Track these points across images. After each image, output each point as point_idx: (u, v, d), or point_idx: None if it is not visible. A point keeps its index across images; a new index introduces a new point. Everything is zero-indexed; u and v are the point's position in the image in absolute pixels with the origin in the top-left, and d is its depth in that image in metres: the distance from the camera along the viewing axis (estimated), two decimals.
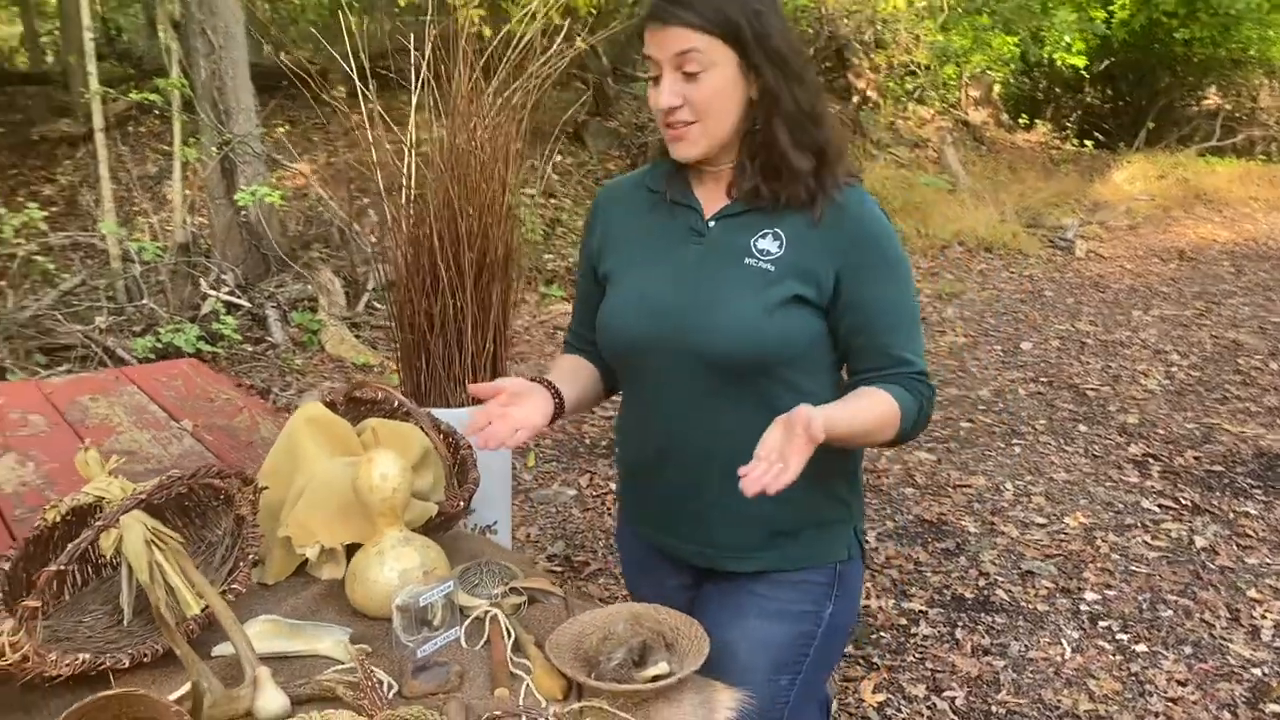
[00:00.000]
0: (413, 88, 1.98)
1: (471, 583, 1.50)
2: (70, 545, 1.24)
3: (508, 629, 1.39)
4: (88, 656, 1.24)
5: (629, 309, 1.48)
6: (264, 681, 1.24)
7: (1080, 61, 10.47)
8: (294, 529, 1.51)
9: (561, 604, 1.49)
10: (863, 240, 1.40)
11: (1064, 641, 2.84)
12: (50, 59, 10.98)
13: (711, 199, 1.47)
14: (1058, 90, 12.90)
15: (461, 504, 1.60)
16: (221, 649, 1.36)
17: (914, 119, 10.47)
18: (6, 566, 1.31)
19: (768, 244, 1.41)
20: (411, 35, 2.29)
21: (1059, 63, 10.69)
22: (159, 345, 5.05)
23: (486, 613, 1.41)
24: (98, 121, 5.67)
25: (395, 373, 2.21)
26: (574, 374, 1.59)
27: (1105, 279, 7.22)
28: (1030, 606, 3.01)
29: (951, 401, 4.74)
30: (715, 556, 1.50)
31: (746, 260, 1.41)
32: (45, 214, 5.61)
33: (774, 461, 1.19)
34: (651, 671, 1.27)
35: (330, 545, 1.50)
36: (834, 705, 2.09)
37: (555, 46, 2.19)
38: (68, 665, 1.22)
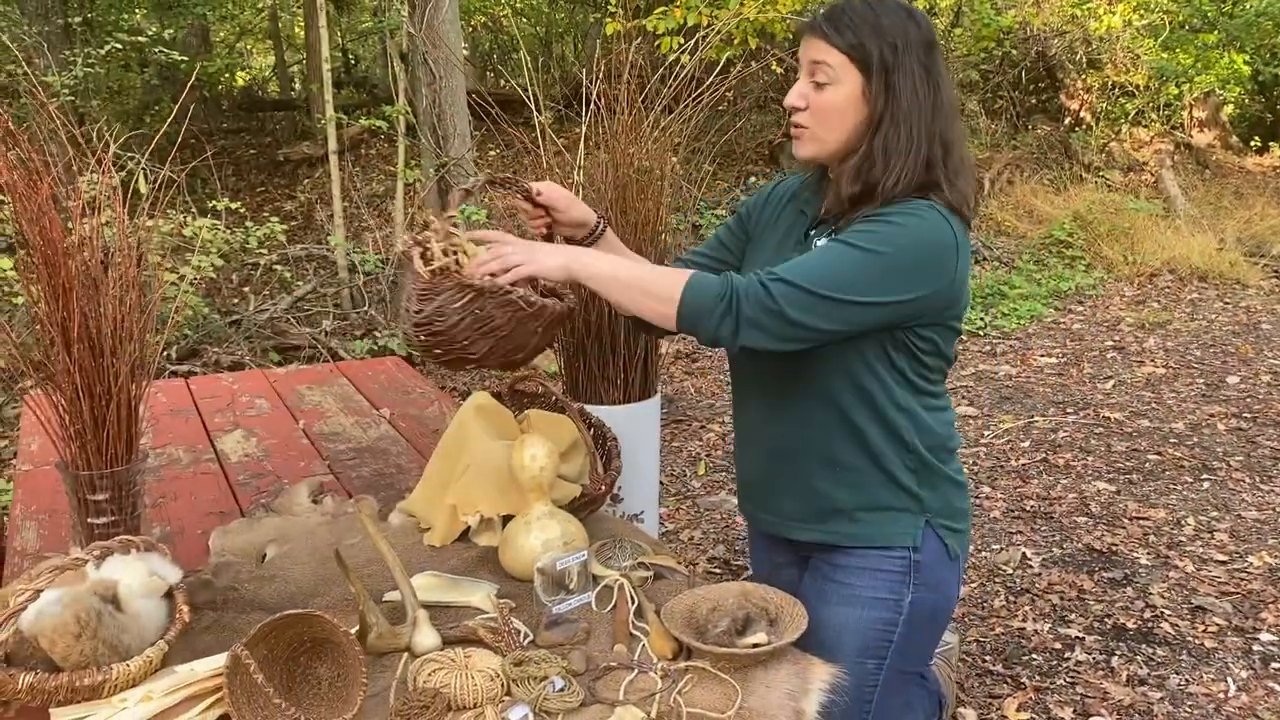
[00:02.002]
0: (582, 118, 2.22)
1: (606, 556, 1.69)
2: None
3: (632, 596, 1.57)
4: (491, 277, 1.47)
5: None
6: (422, 622, 1.47)
7: None
8: (459, 500, 1.75)
9: (684, 581, 1.65)
10: (872, 216, 1.49)
11: (1230, 679, 2.75)
12: (297, 87, 12.08)
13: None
14: None
15: (603, 488, 1.79)
16: (391, 596, 1.60)
17: (1130, 141, 10.03)
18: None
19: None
20: (603, 65, 2.53)
21: None
22: (375, 348, 5.54)
23: (616, 581, 1.60)
24: (332, 145, 6.27)
25: (555, 367, 2.43)
26: (634, 257, 1.78)
27: None
28: (1197, 642, 2.93)
29: (1140, 433, 4.59)
30: (781, 525, 1.67)
31: None
32: (285, 228, 6.25)
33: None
34: (751, 640, 1.41)
35: (488, 515, 1.72)
36: (949, 706, 2.15)
37: (713, 78, 2.37)
38: (478, 278, 1.46)
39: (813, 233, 1.63)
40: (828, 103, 1.52)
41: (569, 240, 1.74)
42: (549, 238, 1.71)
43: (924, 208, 1.48)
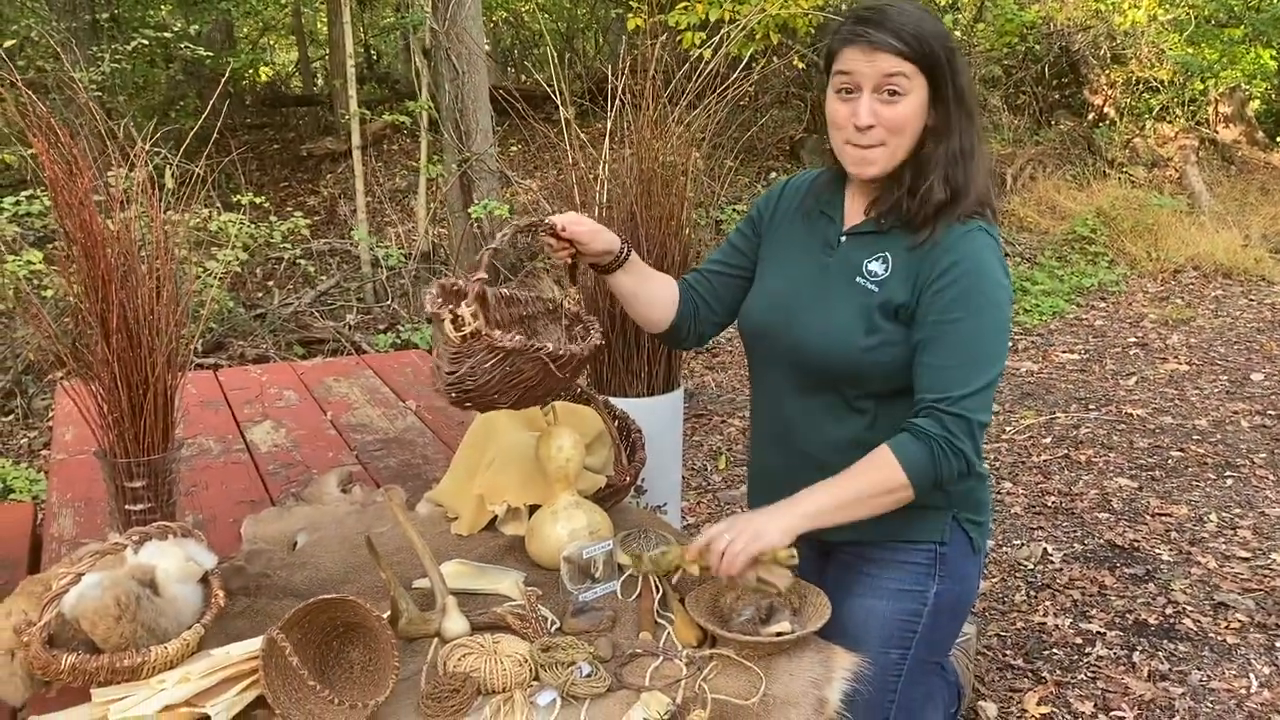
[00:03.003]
0: (608, 114, 2.24)
1: (631, 546, 1.71)
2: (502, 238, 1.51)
3: (657, 585, 1.59)
4: (522, 337, 1.45)
5: (760, 300, 1.69)
6: (451, 608, 1.49)
7: None
8: (486, 489, 1.77)
9: (707, 570, 1.67)
10: (951, 266, 1.49)
11: (1252, 675, 2.75)
12: (320, 82, 12.15)
13: (853, 214, 1.62)
14: None
15: (628, 479, 1.81)
16: (420, 583, 1.63)
17: (1154, 137, 9.96)
18: (446, 280, 1.56)
19: (876, 266, 1.56)
20: (628, 60, 2.54)
21: None
22: (399, 342, 5.58)
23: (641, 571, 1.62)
24: (355, 140, 6.31)
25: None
26: (657, 275, 1.77)
27: None
28: (1219, 638, 2.92)
29: (1163, 430, 4.58)
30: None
31: (857, 279, 1.56)
32: (309, 222, 6.30)
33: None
34: (774, 628, 1.43)
35: (515, 504, 1.74)
36: (967, 696, 2.16)
37: (737, 74, 2.38)
38: (508, 340, 1.43)
39: (844, 239, 1.62)
40: (903, 116, 1.50)
41: (595, 267, 1.71)
42: (573, 268, 1.69)
43: (976, 234, 1.51)
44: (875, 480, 1.45)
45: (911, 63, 1.47)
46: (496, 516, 1.77)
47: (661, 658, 1.42)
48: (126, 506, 1.59)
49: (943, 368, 1.46)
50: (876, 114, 1.50)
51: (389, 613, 1.49)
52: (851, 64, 1.50)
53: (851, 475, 1.46)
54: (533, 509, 1.74)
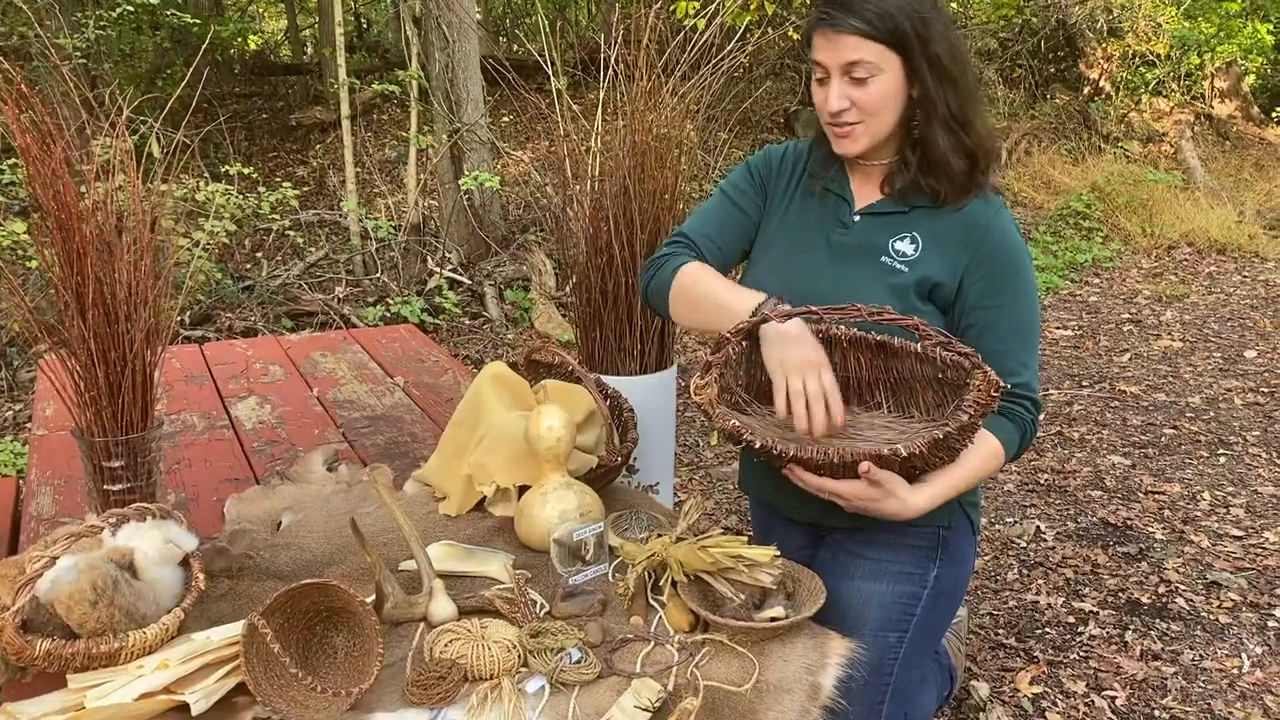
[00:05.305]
0: (600, 85, 2.19)
1: (622, 527, 1.69)
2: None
3: (649, 571, 1.56)
4: (738, 421, 1.46)
5: (771, 279, 1.62)
6: (438, 592, 1.46)
7: None
8: (475, 469, 1.74)
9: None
10: (991, 249, 1.49)
11: (1244, 655, 2.74)
12: (309, 51, 12.00)
13: (862, 192, 1.58)
14: None
15: (620, 459, 1.78)
16: (407, 565, 1.59)
17: (1149, 111, 9.91)
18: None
19: (904, 246, 1.53)
20: (621, 30, 2.49)
21: None
22: (388, 315, 5.53)
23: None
24: (345, 110, 6.22)
25: (572, 337, 2.42)
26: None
27: None
28: (1211, 617, 2.92)
29: (1156, 407, 4.56)
30: (819, 515, 1.63)
31: (882, 259, 1.53)
32: (297, 193, 6.22)
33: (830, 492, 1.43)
34: (768, 614, 1.41)
35: (504, 485, 1.71)
36: (959, 679, 2.15)
37: (732, 45, 2.34)
38: (724, 421, 1.46)
39: (858, 218, 1.59)
40: (877, 97, 1.47)
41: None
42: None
43: (1002, 211, 1.53)
44: (990, 467, 1.52)
45: (876, 43, 1.44)
46: (485, 497, 1.74)
47: (653, 643, 1.39)
48: (105, 486, 1.56)
49: (1002, 352, 1.50)
50: (848, 97, 1.48)
51: (373, 597, 1.45)
52: (819, 52, 1.49)
53: (970, 462, 1.48)
54: (522, 489, 1.71)
